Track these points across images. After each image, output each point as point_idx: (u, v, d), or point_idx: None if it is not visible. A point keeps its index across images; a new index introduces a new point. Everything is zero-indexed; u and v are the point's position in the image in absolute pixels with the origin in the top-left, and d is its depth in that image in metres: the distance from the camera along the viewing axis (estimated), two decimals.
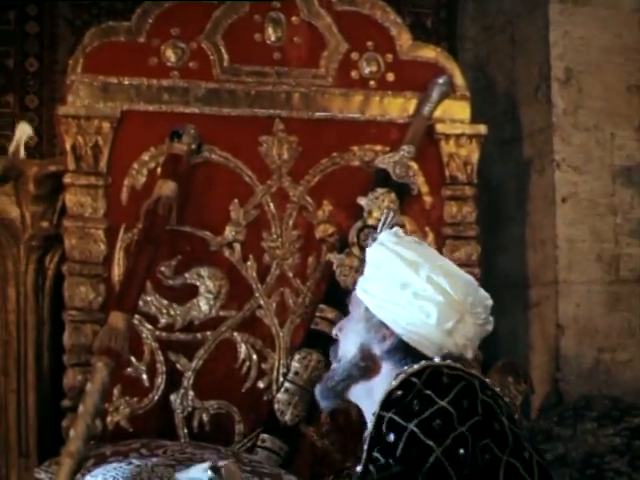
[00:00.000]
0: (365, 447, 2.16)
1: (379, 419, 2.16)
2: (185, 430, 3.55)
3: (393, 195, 3.64)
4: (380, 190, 3.65)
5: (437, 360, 2.25)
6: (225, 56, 3.72)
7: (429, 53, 3.90)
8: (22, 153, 3.61)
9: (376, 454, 2.11)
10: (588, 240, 4.11)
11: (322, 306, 3.60)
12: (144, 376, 3.55)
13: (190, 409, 3.56)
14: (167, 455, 3.14)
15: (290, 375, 3.56)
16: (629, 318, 4.15)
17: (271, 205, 3.69)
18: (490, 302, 2.37)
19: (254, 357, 3.63)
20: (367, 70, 3.81)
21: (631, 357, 4.13)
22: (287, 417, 3.55)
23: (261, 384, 3.63)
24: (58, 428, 3.46)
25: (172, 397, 3.56)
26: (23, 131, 3.64)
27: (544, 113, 4.18)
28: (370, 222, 3.59)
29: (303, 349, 3.57)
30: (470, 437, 2.08)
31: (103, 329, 3.27)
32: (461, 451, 2.07)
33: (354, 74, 3.81)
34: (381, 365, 2.33)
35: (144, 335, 3.56)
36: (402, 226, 3.67)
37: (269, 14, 3.77)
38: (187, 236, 3.61)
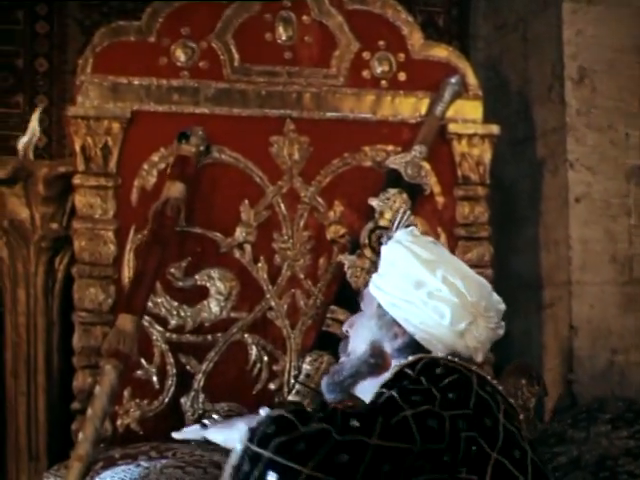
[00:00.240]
0: None
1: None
2: None
3: (405, 196, 3.62)
4: (392, 191, 3.62)
5: (436, 354, 2.27)
6: (235, 56, 3.70)
7: (441, 52, 3.87)
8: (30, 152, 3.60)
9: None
10: (602, 241, 4.10)
11: (333, 307, 3.57)
12: (154, 378, 3.52)
13: (201, 411, 3.53)
14: (176, 457, 3.11)
15: (301, 377, 3.52)
16: None
17: (282, 206, 3.67)
18: (503, 307, 2.39)
19: (265, 359, 3.60)
20: (379, 70, 3.79)
21: None
22: None
23: (272, 386, 3.61)
24: (68, 431, 3.44)
25: (182, 399, 3.54)
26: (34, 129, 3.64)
27: (557, 113, 4.16)
28: (382, 223, 3.57)
29: (314, 351, 3.54)
30: (448, 420, 2.07)
31: (111, 332, 3.25)
32: (430, 423, 2.06)
33: (365, 74, 3.79)
34: (390, 362, 2.34)
35: (154, 337, 3.54)
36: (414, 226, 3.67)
37: (280, 13, 3.75)
38: (197, 237, 3.58)
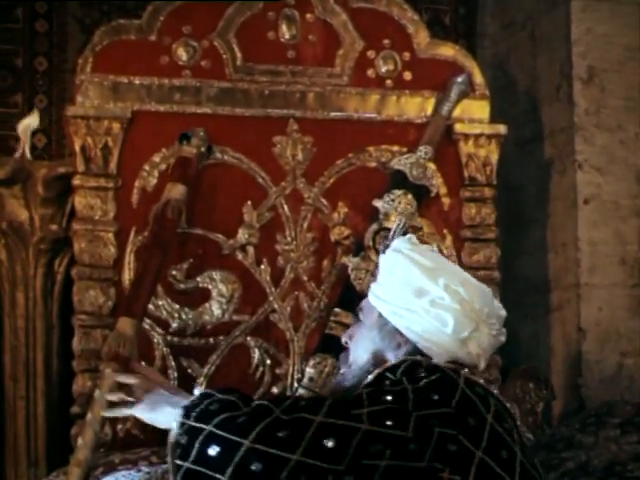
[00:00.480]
0: None
1: None
2: None
3: (410, 197, 3.59)
4: (397, 192, 3.59)
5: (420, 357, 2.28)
6: (238, 55, 3.68)
7: (447, 51, 3.84)
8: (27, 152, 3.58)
9: None
10: (611, 243, 4.07)
11: (337, 310, 3.54)
12: None
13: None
14: None
15: (304, 381, 3.50)
16: None
17: (285, 207, 3.64)
18: (503, 313, 2.38)
19: (268, 362, 3.58)
20: (384, 69, 3.76)
21: None
22: None
23: (275, 390, 3.58)
24: (67, 436, 3.41)
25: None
26: (28, 125, 3.61)
27: (566, 112, 4.13)
28: (386, 225, 3.54)
29: (318, 354, 3.51)
30: (415, 417, 2.07)
31: (111, 335, 3.20)
32: (388, 422, 2.05)
33: (370, 73, 3.76)
34: None
35: (155, 340, 3.51)
36: (420, 228, 3.65)
37: (283, 11, 3.72)
38: (199, 239, 3.56)
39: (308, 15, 3.74)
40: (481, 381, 2.25)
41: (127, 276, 3.52)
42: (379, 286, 2.40)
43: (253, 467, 2.01)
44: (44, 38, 4.23)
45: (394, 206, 3.57)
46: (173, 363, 3.51)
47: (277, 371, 3.58)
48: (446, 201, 3.77)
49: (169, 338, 3.52)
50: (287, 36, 3.72)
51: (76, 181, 3.53)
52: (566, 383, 4.07)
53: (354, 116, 3.73)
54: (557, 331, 4.16)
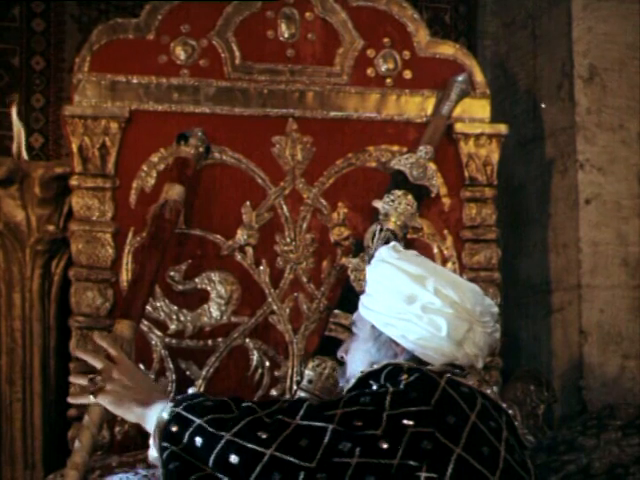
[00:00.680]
0: None
1: None
2: None
3: (410, 197, 3.56)
4: (397, 192, 3.56)
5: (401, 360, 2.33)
6: (237, 54, 3.65)
7: (448, 50, 3.81)
8: (24, 152, 3.56)
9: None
10: (613, 243, 4.06)
11: (337, 312, 3.50)
12: None
13: None
14: None
15: (304, 383, 3.46)
16: None
17: (284, 207, 3.61)
18: (496, 310, 2.41)
19: (267, 364, 3.55)
20: (383, 68, 3.74)
21: None
22: None
23: (274, 392, 3.55)
24: (64, 438, 3.39)
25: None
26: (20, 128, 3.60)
27: (567, 112, 4.12)
28: (386, 225, 3.50)
29: (317, 356, 3.47)
30: (388, 415, 2.11)
31: (109, 337, 3.19)
32: (357, 423, 2.11)
33: (370, 72, 3.74)
34: None
35: (153, 342, 3.48)
36: (420, 229, 3.63)
37: (282, 10, 3.70)
38: (197, 240, 3.53)
39: (307, 14, 3.72)
40: (470, 382, 2.27)
41: (125, 277, 3.49)
42: (369, 297, 2.43)
43: (231, 459, 2.11)
44: (41, 37, 4.23)
45: (394, 206, 3.54)
46: (171, 365, 3.48)
47: (276, 373, 3.56)
48: (446, 201, 3.74)
49: (167, 340, 3.50)
50: (286, 35, 3.69)
51: (73, 181, 3.50)
52: (567, 385, 4.06)
53: (354, 115, 3.70)
54: (558, 333, 4.15)
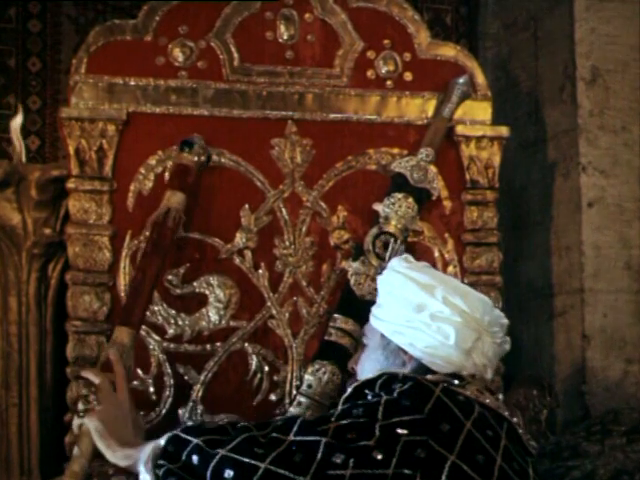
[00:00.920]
0: None
1: None
2: None
3: (411, 200, 3.54)
4: (397, 195, 3.54)
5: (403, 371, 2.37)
6: (235, 55, 3.62)
7: (449, 51, 3.79)
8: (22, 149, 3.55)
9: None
10: (615, 247, 4.05)
11: (336, 316, 3.48)
12: (151, 389, 3.45)
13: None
14: None
15: (303, 388, 3.43)
16: None
17: (283, 211, 3.59)
18: (505, 321, 2.45)
19: (266, 369, 3.53)
20: (384, 69, 3.72)
21: None
22: None
23: (273, 397, 3.53)
24: (61, 444, 3.37)
25: (180, 411, 3.45)
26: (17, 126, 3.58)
27: (569, 114, 4.11)
28: (387, 229, 3.49)
29: (316, 361, 3.45)
30: (381, 426, 2.14)
31: (108, 344, 3.18)
32: (349, 436, 2.13)
33: (370, 74, 3.71)
34: None
35: (151, 347, 3.46)
36: (421, 232, 3.61)
37: (281, 11, 3.67)
38: (195, 243, 3.51)
39: (307, 15, 3.69)
40: (467, 392, 2.28)
41: (122, 281, 3.47)
42: (379, 308, 2.50)
43: (226, 474, 2.14)
44: (37, 38, 4.22)
45: (394, 209, 3.52)
46: (169, 370, 3.46)
47: (275, 378, 3.53)
48: (447, 204, 3.72)
49: (165, 344, 3.47)
50: (285, 36, 3.67)
51: (70, 184, 3.48)
52: (570, 390, 4.05)
53: (354, 118, 3.68)
54: (561, 337, 4.14)
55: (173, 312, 3.48)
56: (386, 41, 3.73)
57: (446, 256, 3.66)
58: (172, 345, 3.48)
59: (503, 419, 2.31)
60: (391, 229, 3.46)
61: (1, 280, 3.57)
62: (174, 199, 3.33)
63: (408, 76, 3.73)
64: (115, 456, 2.47)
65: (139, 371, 3.42)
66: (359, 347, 2.58)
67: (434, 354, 2.35)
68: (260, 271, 3.55)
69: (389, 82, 3.72)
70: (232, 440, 2.20)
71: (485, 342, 2.36)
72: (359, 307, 3.40)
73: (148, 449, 2.36)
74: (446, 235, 3.69)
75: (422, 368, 2.36)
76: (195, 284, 3.50)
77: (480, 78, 3.79)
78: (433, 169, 3.61)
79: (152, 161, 3.53)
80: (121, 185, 3.50)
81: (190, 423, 2.48)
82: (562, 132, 4.16)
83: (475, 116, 3.77)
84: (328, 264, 3.60)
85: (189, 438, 2.25)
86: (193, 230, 3.49)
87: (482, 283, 3.61)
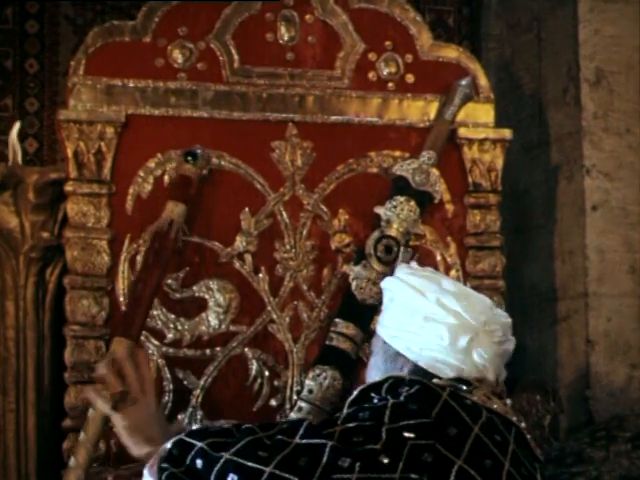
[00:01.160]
0: None
1: None
2: None
3: (413, 203, 3.52)
4: (399, 198, 3.52)
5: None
6: (235, 57, 3.60)
7: (451, 53, 3.77)
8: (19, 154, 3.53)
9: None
10: (620, 251, 4.04)
11: (337, 320, 3.46)
12: None
13: None
14: None
15: (304, 393, 3.42)
16: None
17: (284, 214, 3.56)
18: (508, 320, 2.45)
19: (266, 374, 3.50)
20: (385, 71, 3.69)
21: None
22: None
23: (273, 402, 3.50)
24: (59, 450, 3.35)
25: (180, 416, 3.43)
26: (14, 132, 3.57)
27: (573, 116, 4.10)
28: (388, 232, 3.47)
29: (317, 366, 3.44)
30: (387, 429, 2.12)
31: (108, 355, 3.14)
32: (356, 439, 2.12)
33: (371, 75, 3.68)
34: None
35: (150, 351, 3.43)
36: (423, 236, 3.59)
37: (282, 12, 3.65)
38: (195, 247, 3.48)
39: (307, 16, 3.67)
40: (475, 398, 2.27)
41: (121, 285, 3.44)
42: (381, 315, 2.52)
43: (230, 478, 2.12)
44: (35, 39, 4.22)
45: (396, 213, 3.50)
46: (169, 375, 3.43)
47: (276, 383, 3.51)
48: (450, 208, 3.69)
49: (164, 349, 3.45)
50: (286, 38, 3.64)
51: (68, 187, 3.45)
52: (574, 395, 4.03)
53: (355, 120, 3.65)
54: (564, 342, 4.13)
55: (172, 316, 3.46)
56: (388, 43, 3.70)
57: (448, 260, 3.63)
58: (171, 350, 3.45)
59: (511, 424, 2.30)
60: (393, 233, 3.45)
61: None
62: (177, 210, 3.30)
63: (410, 78, 3.71)
64: (140, 452, 2.48)
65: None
66: (370, 356, 2.58)
67: (430, 356, 2.35)
68: (260, 275, 3.52)
69: (391, 84, 3.70)
70: (236, 443, 2.18)
71: (482, 341, 2.35)
72: (360, 311, 3.39)
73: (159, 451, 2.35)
74: (448, 239, 3.67)
75: (419, 372, 2.35)
76: (195, 288, 3.48)
77: (483, 80, 3.76)
78: (435, 172, 3.59)
79: (151, 164, 3.50)
80: (120, 188, 3.48)
81: (196, 427, 2.42)
82: (566, 134, 4.15)
83: (478, 118, 3.74)
84: (329, 268, 3.57)
85: (193, 442, 2.23)
86: (193, 234, 3.47)
87: (485, 287, 3.58)
